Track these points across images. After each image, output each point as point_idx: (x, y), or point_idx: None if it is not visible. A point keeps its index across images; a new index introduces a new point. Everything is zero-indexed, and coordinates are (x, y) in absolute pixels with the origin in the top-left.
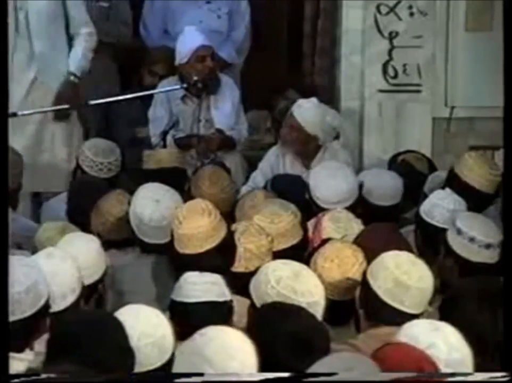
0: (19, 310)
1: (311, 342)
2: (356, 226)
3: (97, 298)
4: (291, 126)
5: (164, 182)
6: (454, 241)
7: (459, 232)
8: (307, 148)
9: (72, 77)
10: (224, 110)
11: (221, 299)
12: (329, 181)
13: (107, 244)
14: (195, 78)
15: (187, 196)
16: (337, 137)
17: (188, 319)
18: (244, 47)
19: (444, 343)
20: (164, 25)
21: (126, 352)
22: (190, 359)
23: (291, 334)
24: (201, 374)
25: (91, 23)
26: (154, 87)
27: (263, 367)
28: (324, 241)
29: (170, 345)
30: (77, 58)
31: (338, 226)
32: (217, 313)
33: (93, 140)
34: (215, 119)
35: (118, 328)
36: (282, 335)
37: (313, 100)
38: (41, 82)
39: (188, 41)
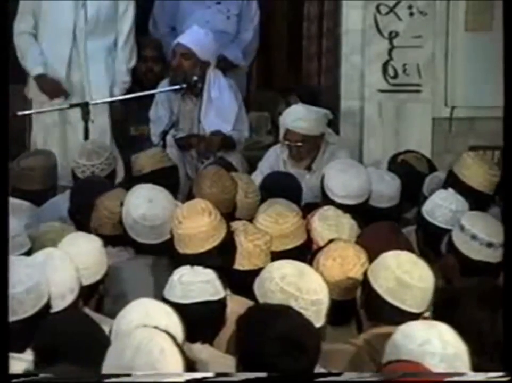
0: (21, 310)
1: (299, 341)
2: (346, 221)
3: (98, 298)
4: (286, 136)
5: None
6: (456, 238)
7: (461, 229)
8: (307, 148)
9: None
10: (223, 111)
11: (215, 298)
12: (345, 176)
13: (104, 241)
14: (195, 78)
15: (188, 195)
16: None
17: (182, 320)
18: (251, 49)
19: (439, 339)
20: (172, 23)
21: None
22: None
23: (280, 335)
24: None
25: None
26: (145, 73)
27: (254, 367)
28: (329, 241)
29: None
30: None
31: (329, 224)
32: (212, 312)
33: (88, 140)
34: (211, 120)
35: (96, 326)
36: (271, 335)
37: (297, 106)
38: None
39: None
